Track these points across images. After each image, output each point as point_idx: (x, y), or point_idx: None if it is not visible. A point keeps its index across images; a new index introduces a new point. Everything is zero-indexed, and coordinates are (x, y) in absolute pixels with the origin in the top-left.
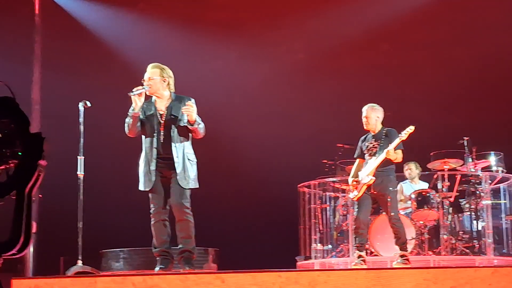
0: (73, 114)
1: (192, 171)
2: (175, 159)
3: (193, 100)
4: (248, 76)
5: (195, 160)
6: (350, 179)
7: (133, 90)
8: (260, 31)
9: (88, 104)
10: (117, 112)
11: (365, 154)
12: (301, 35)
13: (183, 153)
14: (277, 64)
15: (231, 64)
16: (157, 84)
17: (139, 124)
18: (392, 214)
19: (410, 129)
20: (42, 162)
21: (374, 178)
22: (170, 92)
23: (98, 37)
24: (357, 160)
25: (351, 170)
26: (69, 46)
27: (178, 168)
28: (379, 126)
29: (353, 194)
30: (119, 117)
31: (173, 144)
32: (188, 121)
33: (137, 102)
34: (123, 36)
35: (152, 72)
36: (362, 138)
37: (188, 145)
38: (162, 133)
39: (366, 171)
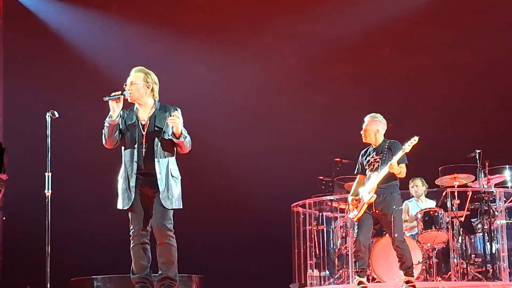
0: (39, 126)
1: (176, 189)
2: (158, 176)
3: (179, 110)
4: (234, 83)
5: (179, 177)
6: (349, 198)
7: (111, 94)
8: (246, 34)
9: (56, 114)
10: (89, 123)
11: (366, 169)
12: (291, 38)
13: (167, 169)
14: (266, 70)
15: (215, 71)
16: (140, 90)
17: (117, 133)
18: (396, 235)
19: (414, 140)
20: (3, 176)
21: (375, 195)
22: (154, 100)
23: (68, 41)
24: (358, 177)
25: (351, 188)
26: (35, 51)
27: (161, 186)
28: (380, 139)
29: (353, 214)
30: (92, 128)
31: (156, 159)
32: (174, 133)
33: (114, 109)
34: (95, 40)
35: (135, 76)
36: (363, 152)
37: (172, 160)
38: (144, 146)
39: (367, 188)
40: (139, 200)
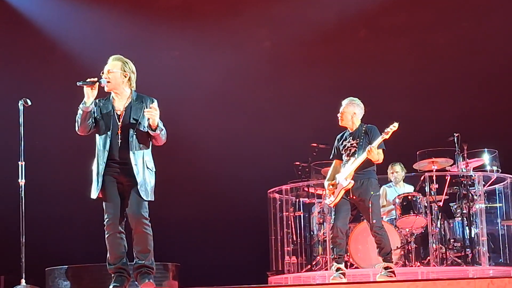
0: (10, 114)
1: (152, 181)
2: (134, 167)
3: (156, 102)
4: (208, 67)
5: (154, 169)
6: (326, 183)
7: (86, 80)
8: (220, 18)
9: (29, 102)
10: (61, 109)
11: (342, 154)
12: (266, 21)
13: (143, 161)
14: (239, 54)
15: (187, 55)
16: (117, 79)
17: (91, 121)
18: (374, 221)
19: (394, 126)
20: None
21: (353, 181)
22: (131, 90)
23: (38, 26)
24: (334, 162)
25: (327, 173)
26: (2, 36)
27: (139, 177)
28: (357, 123)
29: (330, 200)
30: (64, 115)
31: (131, 151)
32: (150, 125)
33: (89, 95)
34: (66, 25)
35: (112, 64)
36: (339, 136)
37: (148, 152)
38: (119, 137)
39: (344, 174)
40: (114, 188)
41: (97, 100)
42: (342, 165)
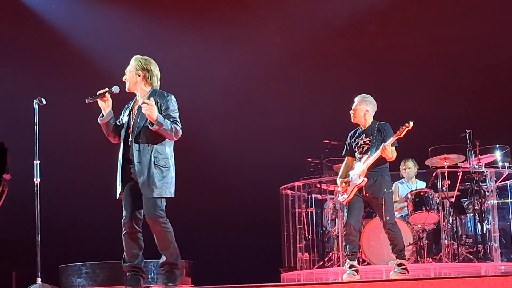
0: (25, 113)
1: (160, 177)
2: (136, 165)
3: (171, 97)
4: (218, 63)
5: (169, 165)
6: (338, 180)
7: (97, 93)
8: (230, 13)
9: (44, 101)
10: (74, 108)
11: (355, 151)
12: (276, 16)
13: (150, 158)
14: (250, 49)
15: (197, 51)
16: (132, 78)
17: (114, 128)
18: (388, 218)
19: (408, 124)
20: (6, 176)
21: (366, 179)
22: (152, 87)
23: (46, 21)
24: (346, 159)
25: (340, 170)
26: (12, 33)
27: (140, 175)
28: (370, 120)
29: (343, 197)
30: (77, 114)
31: (136, 150)
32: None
33: (103, 107)
34: (76, 22)
35: (130, 65)
36: (351, 133)
37: (159, 149)
38: (130, 135)
39: (357, 171)
40: (128, 188)
41: (129, 103)
42: (355, 162)
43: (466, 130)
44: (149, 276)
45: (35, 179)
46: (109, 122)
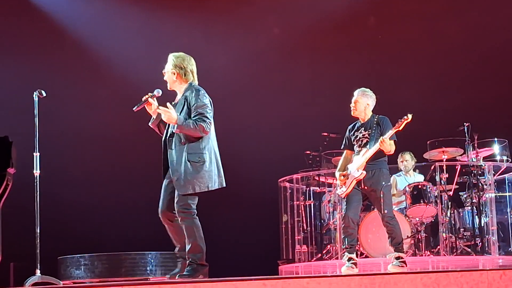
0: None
1: (193, 173)
2: (170, 164)
3: (199, 91)
4: (217, 55)
5: (204, 160)
6: (337, 173)
7: (141, 101)
8: (229, 4)
9: (44, 93)
10: (73, 100)
11: (353, 145)
12: (275, 8)
13: (183, 156)
14: (249, 41)
15: (196, 43)
16: (169, 78)
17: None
18: (386, 211)
19: (407, 117)
20: (11, 170)
21: (365, 172)
22: (188, 84)
23: (46, 12)
24: (345, 152)
25: (338, 163)
26: (12, 25)
27: (174, 173)
28: (369, 114)
29: (341, 190)
30: (76, 106)
31: (170, 148)
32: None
33: (150, 112)
34: (73, 12)
35: (166, 64)
36: (350, 127)
37: (193, 146)
38: (166, 134)
39: (355, 164)
40: (167, 183)
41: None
42: (353, 155)
43: (465, 123)
44: (148, 268)
45: (34, 171)
46: (160, 124)
